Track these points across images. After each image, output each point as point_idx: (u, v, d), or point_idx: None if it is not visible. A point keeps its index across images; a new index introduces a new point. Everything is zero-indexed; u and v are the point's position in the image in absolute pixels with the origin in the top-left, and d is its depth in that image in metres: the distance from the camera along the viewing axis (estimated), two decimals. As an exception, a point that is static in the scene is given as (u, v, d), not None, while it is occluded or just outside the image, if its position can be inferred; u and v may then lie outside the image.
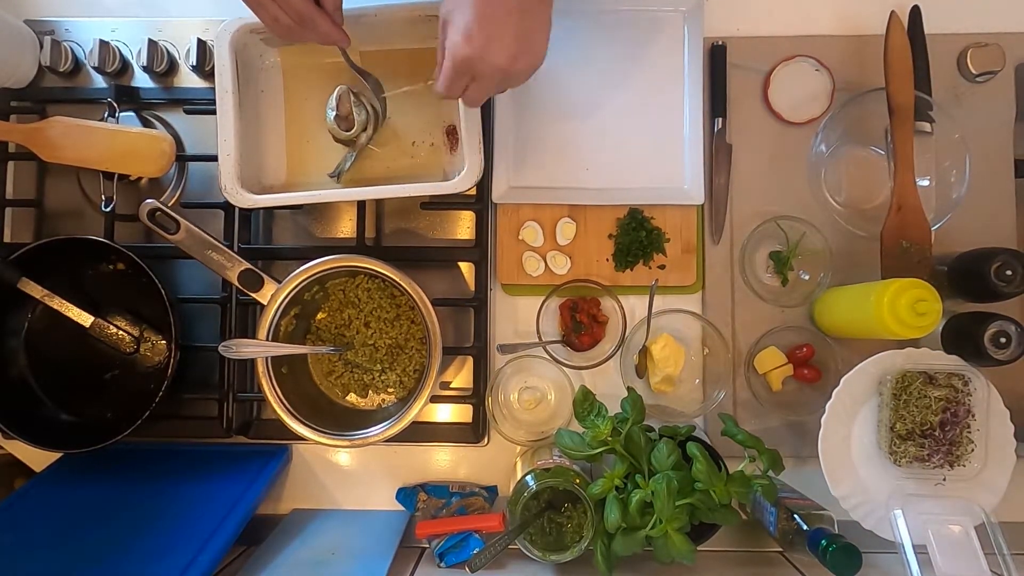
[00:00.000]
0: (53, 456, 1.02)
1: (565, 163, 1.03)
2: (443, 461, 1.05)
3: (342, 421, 0.98)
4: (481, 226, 1.04)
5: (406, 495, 1.02)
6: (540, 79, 1.04)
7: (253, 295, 0.94)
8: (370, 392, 1.02)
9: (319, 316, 1.02)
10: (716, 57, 1.04)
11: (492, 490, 1.03)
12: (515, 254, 1.03)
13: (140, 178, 1.05)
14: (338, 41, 0.88)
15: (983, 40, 1.02)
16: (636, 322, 1.01)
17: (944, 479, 0.90)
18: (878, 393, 0.92)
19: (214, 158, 0.96)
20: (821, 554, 0.79)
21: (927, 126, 0.98)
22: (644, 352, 1.01)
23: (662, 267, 1.03)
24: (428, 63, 1.02)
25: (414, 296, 0.92)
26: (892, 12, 0.96)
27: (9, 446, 1.04)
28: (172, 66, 1.07)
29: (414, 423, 0.92)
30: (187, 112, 1.06)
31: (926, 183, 0.99)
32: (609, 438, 0.89)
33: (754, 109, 1.04)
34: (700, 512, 0.85)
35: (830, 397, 0.91)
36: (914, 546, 0.84)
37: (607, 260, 1.03)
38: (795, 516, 0.85)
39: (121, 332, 1.01)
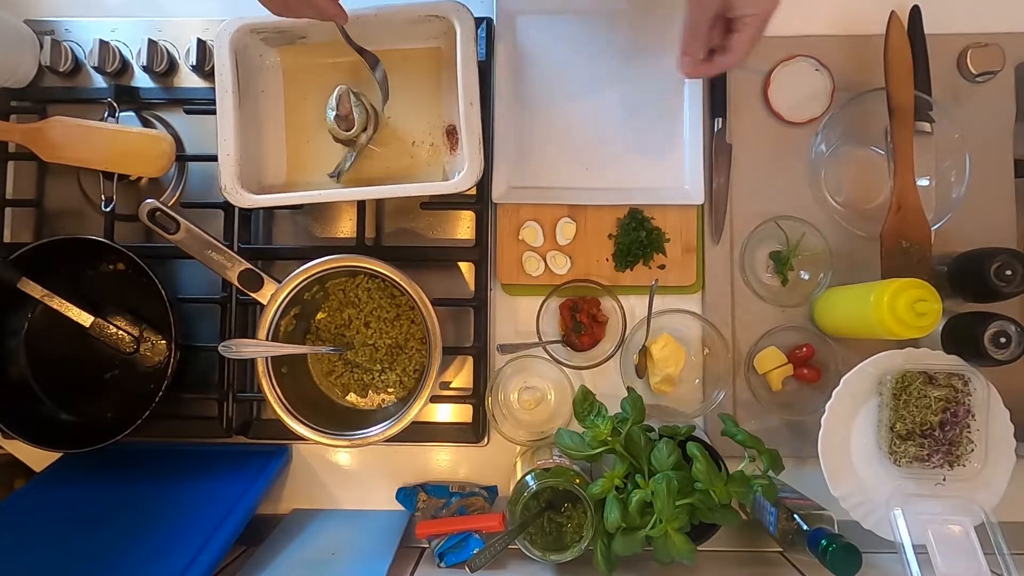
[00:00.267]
0: (53, 456, 1.02)
1: (565, 163, 1.03)
2: (443, 461, 1.05)
3: (342, 421, 0.98)
4: (481, 226, 1.04)
5: (406, 495, 1.02)
6: (540, 79, 1.04)
7: (253, 295, 0.94)
8: (370, 392, 1.02)
9: (319, 316, 1.02)
10: (716, 57, 1.04)
11: (492, 490, 1.03)
12: (515, 254, 1.03)
13: (140, 178, 1.05)
14: (335, 16, 0.86)
15: (983, 40, 1.02)
16: (636, 322, 1.01)
17: (944, 479, 0.90)
18: (878, 393, 0.92)
19: (214, 158, 0.96)
20: (821, 554, 0.79)
21: (927, 126, 0.98)
22: (644, 352, 1.01)
23: (662, 267, 1.03)
24: (428, 63, 1.03)
25: (414, 296, 0.92)
26: (892, 12, 0.96)
27: (9, 446, 1.04)
28: (172, 66, 1.07)
29: (414, 423, 0.92)
30: (187, 112, 1.06)
31: (926, 183, 0.99)
32: (609, 438, 0.89)
33: (754, 109, 1.04)
34: (700, 512, 0.85)
35: (830, 397, 0.91)
36: (914, 546, 0.84)
37: (607, 260, 1.03)
38: (795, 516, 0.85)
39: (121, 332, 1.01)
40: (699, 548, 0.86)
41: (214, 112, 0.96)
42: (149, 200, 0.94)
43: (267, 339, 0.93)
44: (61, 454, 1.02)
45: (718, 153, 1.04)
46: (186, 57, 1.05)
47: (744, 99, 1.04)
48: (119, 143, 1.00)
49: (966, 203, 0.97)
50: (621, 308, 1.00)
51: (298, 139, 1.03)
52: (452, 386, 1.04)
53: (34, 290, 0.97)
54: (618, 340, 1.00)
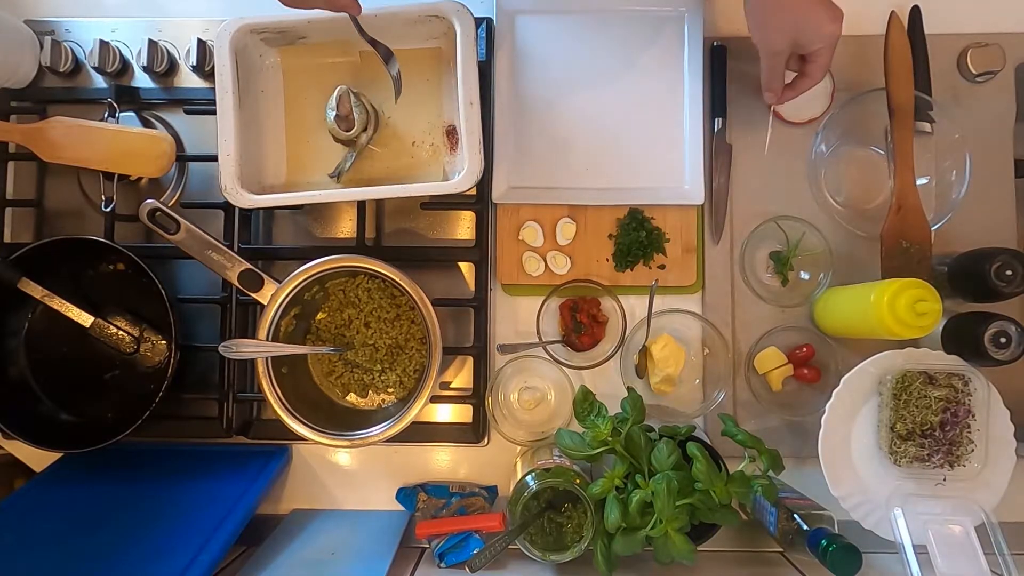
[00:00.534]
0: (53, 456, 1.02)
1: (565, 163, 1.03)
2: (443, 461, 1.05)
3: (342, 421, 0.98)
4: (481, 226, 1.04)
5: (406, 495, 1.02)
6: (540, 79, 1.04)
7: (253, 295, 0.94)
8: (370, 392, 1.02)
9: (319, 316, 1.02)
10: (716, 57, 1.04)
11: (492, 490, 1.03)
12: (515, 254, 1.03)
13: (140, 178, 1.05)
14: (348, 7, 0.84)
15: (983, 40, 1.02)
16: (636, 322, 1.01)
17: (944, 479, 0.90)
18: (878, 393, 0.92)
19: (214, 158, 0.96)
20: (821, 554, 0.79)
21: (927, 126, 0.99)
22: (644, 352, 1.01)
23: (662, 267, 1.03)
24: (428, 63, 1.03)
25: (414, 296, 0.92)
26: (892, 12, 0.96)
27: (9, 446, 1.04)
28: (172, 66, 1.07)
29: (414, 423, 0.92)
30: (187, 112, 1.06)
31: (926, 183, 0.99)
32: (609, 438, 0.89)
33: (754, 109, 1.04)
34: (700, 512, 0.85)
35: (830, 397, 0.91)
36: (914, 546, 0.84)
37: (607, 260, 1.03)
38: (795, 516, 0.85)
39: (121, 332, 1.01)
40: (699, 548, 0.86)
41: (214, 112, 0.96)
42: (149, 200, 0.94)
43: (267, 339, 0.93)
44: (61, 454, 1.02)
45: (718, 153, 1.04)
46: (186, 57, 1.05)
47: (744, 99, 1.04)
48: (119, 143, 1.00)
49: (966, 203, 0.97)
50: (621, 308, 1.00)
51: (298, 139, 1.03)
52: (452, 386, 1.04)
53: (34, 290, 0.97)
54: (618, 340, 1.00)
